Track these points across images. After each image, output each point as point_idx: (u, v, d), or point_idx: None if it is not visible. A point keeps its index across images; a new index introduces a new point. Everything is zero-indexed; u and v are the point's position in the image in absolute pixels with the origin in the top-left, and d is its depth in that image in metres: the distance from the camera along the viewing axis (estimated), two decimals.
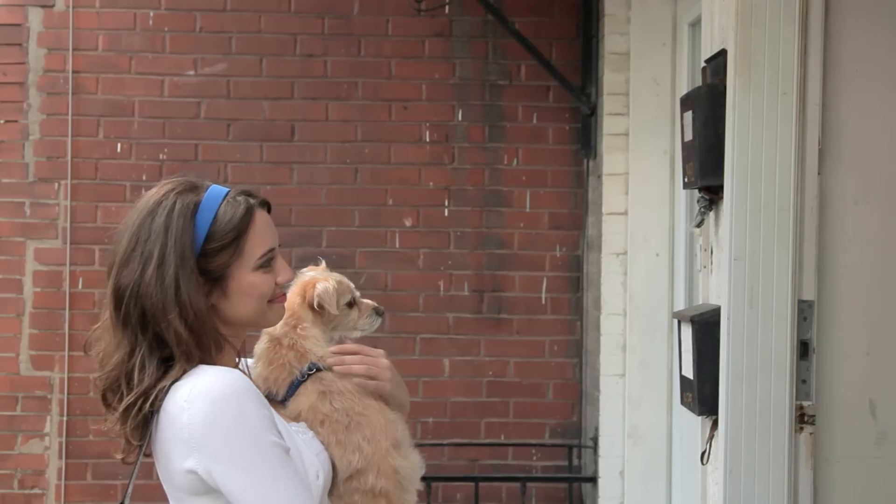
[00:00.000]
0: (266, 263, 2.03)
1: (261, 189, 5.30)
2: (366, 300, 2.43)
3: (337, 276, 2.36)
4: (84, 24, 5.27)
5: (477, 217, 5.29)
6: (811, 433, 2.86)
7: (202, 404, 1.90)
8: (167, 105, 5.28)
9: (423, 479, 2.29)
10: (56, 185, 5.26)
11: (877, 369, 2.90)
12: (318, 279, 2.31)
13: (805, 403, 2.86)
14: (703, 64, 3.18)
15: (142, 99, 5.28)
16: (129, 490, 2.05)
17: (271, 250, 2.04)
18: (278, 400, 2.15)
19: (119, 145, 5.27)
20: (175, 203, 1.98)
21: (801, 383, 2.87)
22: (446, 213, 5.31)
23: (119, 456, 2.02)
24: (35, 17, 5.27)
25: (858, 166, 2.90)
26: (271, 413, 1.97)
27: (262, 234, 2.03)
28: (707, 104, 3.02)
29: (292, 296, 2.26)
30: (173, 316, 1.94)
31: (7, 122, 5.28)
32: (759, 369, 2.81)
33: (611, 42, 4.88)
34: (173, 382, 1.94)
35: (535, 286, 5.26)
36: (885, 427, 2.89)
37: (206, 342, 1.97)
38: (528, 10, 5.24)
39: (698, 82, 3.56)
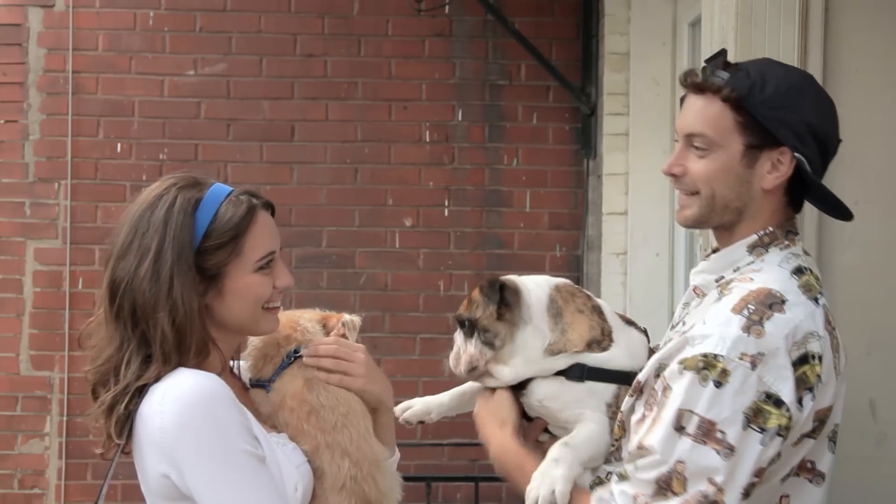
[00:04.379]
0: (265, 266, 2.02)
1: (261, 189, 5.29)
2: None
3: None
4: (84, 24, 5.27)
5: (477, 217, 5.29)
6: None
7: (174, 409, 1.88)
8: (167, 105, 5.28)
9: (424, 479, 2.30)
10: (56, 185, 5.26)
11: (877, 369, 2.89)
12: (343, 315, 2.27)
13: None
14: (703, 64, 3.18)
15: (142, 99, 5.28)
16: (104, 490, 2.05)
17: (271, 253, 2.03)
18: (266, 382, 2.10)
19: (119, 145, 5.27)
20: (176, 198, 1.97)
21: None
22: (446, 213, 5.31)
23: (98, 451, 2.01)
24: (35, 17, 5.27)
25: (858, 166, 2.89)
26: (248, 421, 1.94)
27: (263, 236, 2.02)
28: None
29: (307, 317, 2.21)
30: (162, 314, 1.92)
31: (7, 122, 5.28)
32: None
33: (611, 42, 4.88)
34: (151, 384, 1.92)
35: None
36: (885, 427, 2.89)
37: (187, 345, 1.94)
38: (528, 10, 5.24)
39: None
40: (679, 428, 1.84)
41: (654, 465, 1.87)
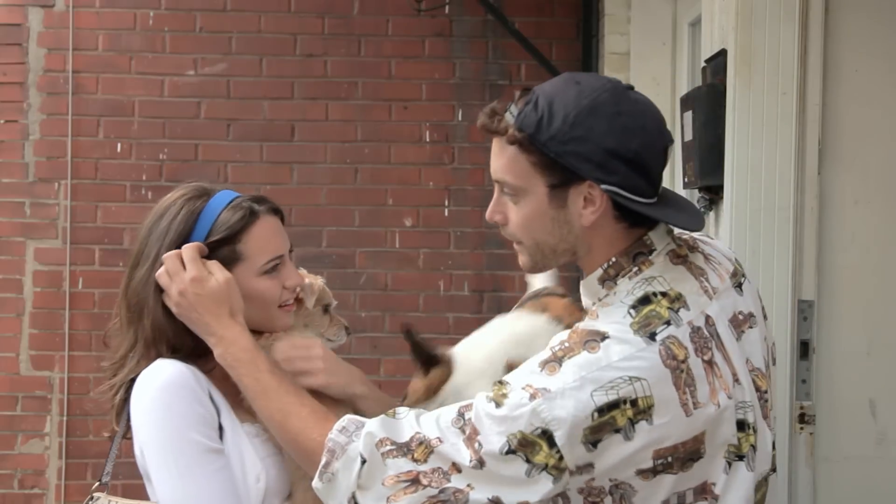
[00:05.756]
0: (272, 269, 2.08)
1: (260, 189, 5.31)
2: (339, 317, 2.40)
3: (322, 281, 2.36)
4: (84, 24, 5.27)
5: (477, 217, 5.29)
6: (811, 433, 2.87)
7: (140, 394, 1.99)
8: (167, 105, 5.28)
9: None
10: (56, 185, 5.26)
11: (877, 369, 2.90)
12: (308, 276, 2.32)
13: (805, 403, 2.87)
14: (703, 64, 3.19)
15: (142, 99, 5.28)
16: (109, 468, 2.14)
17: (279, 257, 2.09)
18: None
19: (119, 145, 5.27)
20: (182, 208, 2.05)
21: (801, 383, 2.88)
22: (446, 213, 5.31)
23: (106, 434, 2.14)
24: (35, 17, 5.26)
25: (858, 166, 2.90)
26: (210, 412, 1.99)
27: (267, 241, 2.08)
28: (707, 104, 3.03)
29: None
30: (153, 314, 2.03)
31: (7, 122, 5.28)
32: None
33: (611, 42, 4.88)
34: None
35: None
36: (885, 427, 2.90)
37: (169, 343, 2.04)
38: (528, 10, 5.24)
39: (698, 82, 3.56)
40: (461, 415, 1.80)
41: (421, 426, 1.82)
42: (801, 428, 2.85)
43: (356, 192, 5.30)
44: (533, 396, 1.74)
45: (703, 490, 1.83)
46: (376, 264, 5.28)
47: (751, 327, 1.93)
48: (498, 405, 1.76)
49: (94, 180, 5.26)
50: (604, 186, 1.79)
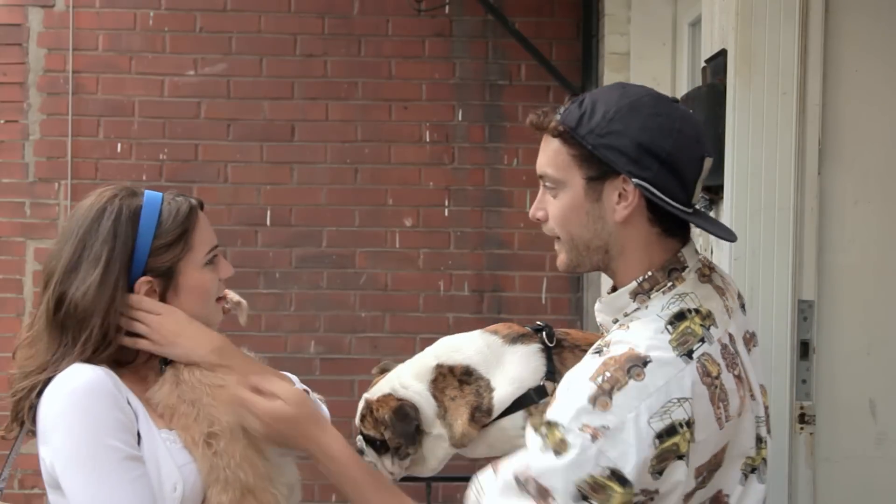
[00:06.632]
0: (211, 261, 2.12)
1: (261, 189, 5.32)
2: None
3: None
4: (84, 24, 5.27)
5: (477, 217, 5.29)
6: (811, 433, 2.86)
7: (55, 397, 1.96)
8: (167, 105, 5.28)
9: (424, 479, 2.26)
10: (56, 185, 5.26)
11: (877, 369, 2.89)
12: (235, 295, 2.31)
13: (805, 403, 2.86)
14: (703, 64, 3.18)
15: (142, 99, 5.28)
16: (5, 473, 2.14)
17: (216, 247, 2.14)
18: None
19: (119, 145, 5.27)
20: (122, 208, 2.04)
21: (801, 383, 2.87)
22: (446, 213, 5.31)
23: (2, 433, 2.12)
24: (35, 17, 5.27)
25: (858, 166, 2.89)
26: (129, 418, 1.96)
27: (206, 232, 2.12)
28: (707, 104, 3.02)
29: None
30: (99, 318, 1.99)
31: (7, 122, 5.28)
32: None
33: (611, 42, 4.88)
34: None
35: (535, 286, 5.26)
36: (885, 427, 2.89)
37: (110, 348, 2.01)
38: (528, 10, 5.24)
39: (698, 82, 3.56)
40: (518, 481, 1.81)
41: (489, 496, 1.87)
42: (801, 428, 2.85)
43: (356, 192, 5.30)
44: (594, 437, 1.74)
45: (717, 500, 1.86)
46: (376, 264, 5.28)
47: (754, 346, 1.98)
48: (558, 453, 1.76)
49: (94, 180, 5.25)
50: (635, 181, 1.85)
